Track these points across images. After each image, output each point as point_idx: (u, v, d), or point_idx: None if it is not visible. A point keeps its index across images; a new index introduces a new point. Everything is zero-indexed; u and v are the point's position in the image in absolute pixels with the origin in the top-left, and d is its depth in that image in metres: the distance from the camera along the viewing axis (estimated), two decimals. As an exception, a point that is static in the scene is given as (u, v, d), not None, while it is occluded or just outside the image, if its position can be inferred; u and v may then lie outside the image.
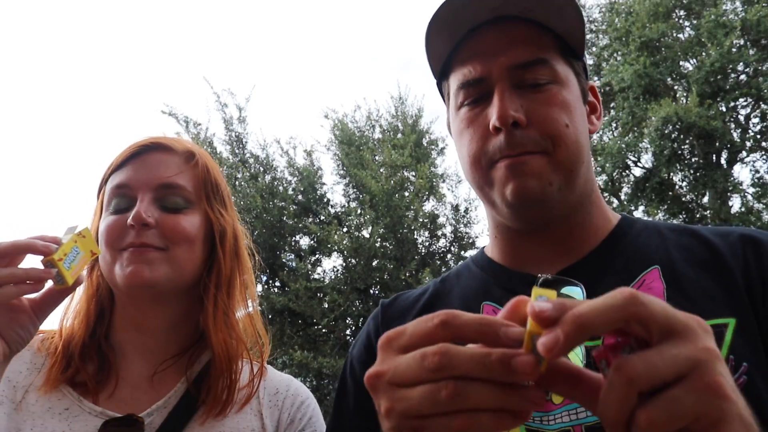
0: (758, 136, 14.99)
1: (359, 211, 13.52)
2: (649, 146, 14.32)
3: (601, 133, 15.69)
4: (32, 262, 0.96)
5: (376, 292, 13.19)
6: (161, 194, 1.16)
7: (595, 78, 16.05)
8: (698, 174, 14.72)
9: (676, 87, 15.14)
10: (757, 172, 14.98)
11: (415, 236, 13.45)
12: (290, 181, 14.11)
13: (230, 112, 13.74)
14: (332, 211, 13.98)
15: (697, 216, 15.01)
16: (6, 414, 1.06)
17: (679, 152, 14.70)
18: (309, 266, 13.12)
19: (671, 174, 15.21)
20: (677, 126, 13.35)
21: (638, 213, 15.88)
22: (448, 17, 0.99)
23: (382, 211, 12.49)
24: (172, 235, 1.13)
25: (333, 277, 13.32)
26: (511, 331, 0.52)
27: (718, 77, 13.71)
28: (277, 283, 13.53)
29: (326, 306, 12.45)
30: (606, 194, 16.00)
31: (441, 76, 1.10)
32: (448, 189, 14.26)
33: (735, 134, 14.73)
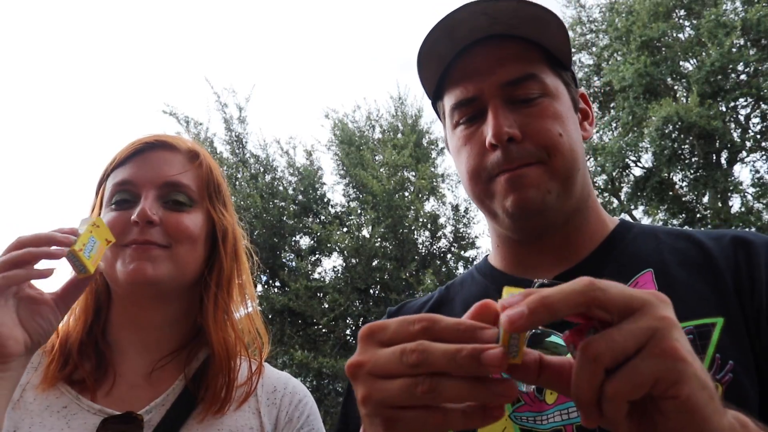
0: (758, 136, 14.99)
1: (359, 211, 13.52)
2: (649, 146, 14.32)
3: (601, 132, 15.68)
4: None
5: (377, 292, 13.19)
6: (165, 192, 1.16)
7: (595, 78, 16.05)
8: (698, 174, 14.72)
9: (676, 87, 15.14)
10: (757, 172, 14.99)
11: (416, 236, 13.45)
12: (290, 181, 14.11)
13: (230, 112, 13.75)
14: (332, 211, 13.98)
15: (698, 216, 15.01)
16: None
17: (680, 152, 14.70)
18: (309, 266, 13.13)
19: (671, 174, 15.21)
20: (678, 126, 13.35)
21: (638, 213, 15.88)
22: (438, 41, 1.03)
23: (383, 211, 12.50)
24: (175, 233, 1.14)
25: (333, 276, 13.32)
26: (486, 333, 0.55)
27: (719, 77, 13.71)
28: (277, 283, 13.53)
29: (326, 306, 12.46)
30: (606, 194, 16.00)
31: (435, 97, 1.13)
32: (448, 189, 14.28)
33: (735, 134, 14.73)
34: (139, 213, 1.10)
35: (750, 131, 15.06)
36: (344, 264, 13.30)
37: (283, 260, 13.37)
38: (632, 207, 15.65)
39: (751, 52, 13.61)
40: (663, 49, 14.67)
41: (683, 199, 15.25)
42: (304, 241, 13.83)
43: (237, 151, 13.86)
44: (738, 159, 14.85)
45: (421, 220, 13.31)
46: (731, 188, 14.57)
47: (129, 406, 1.10)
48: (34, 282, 0.99)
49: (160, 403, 1.13)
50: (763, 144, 14.95)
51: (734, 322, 0.88)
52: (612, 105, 15.74)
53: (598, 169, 15.14)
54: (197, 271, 1.19)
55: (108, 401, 1.10)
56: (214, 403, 1.14)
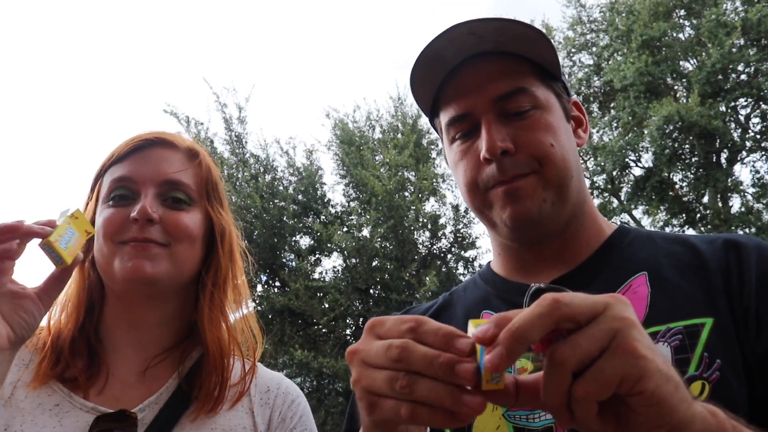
0: (758, 136, 14.99)
1: (360, 211, 13.52)
2: (649, 146, 14.32)
3: (601, 132, 15.67)
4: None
5: (377, 292, 13.19)
6: (165, 190, 1.15)
7: (595, 78, 16.04)
8: (699, 174, 14.72)
9: (676, 87, 15.14)
10: (758, 172, 14.99)
11: (416, 236, 13.44)
12: (290, 181, 14.11)
13: (230, 112, 13.75)
14: (333, 211, 13.98)
15: (698, 216, 15.01)
16: None
17: (680, 152, 14.70)
18: (309, 266, 13.12)
19: (671, 174, 15.21)
20: (678, 125, 13.35)
21: (638, 213, 15.88)
22: (429, 61, 1.07)
23: (384, 211, 12.49)
24: (174, 231, 1.13)
25: (333, 277, 13.32)
26: (461, 342, 0.59)
27: (719, 77, 13.71)
28: (277, 283, 13.53)
29: (326, 306, 12.45)
30: (606, 194, 15.99)
31: (432, 114, 1.18)
32: (448, 189, 14.26)
33: (735, 134, 14.73)
34: (139, 210, 1.09)
35: (750, 131, 15.06)
36: (344, 264, 13.29)
37: (283, 260, 13.36)
38: (632, 207, 15.65)
39: (751, 52, 13.60)
40: (663, 48, 14.66)
41: (683, 199, 15.25)
42: (304, 241, 13.83)
43: (237, 151, 13.86)
44: (738, 159, 14.85)
45: (421, 220, 13.30)
46: (731, 188, 14.56)
47: (122, 405, 1.09)
48: (15, 277, 0.99)
49: (154, 401, 1.12)
50: (763, 144, 14.94)
51: (723, 323, 0.91)
52: (612, 105, 15.73)
53: (598, 168, 15.13)
54: (194, 270, 1.19)
55: (101, 399, 1.09)
56: (208, 402, 1.13)
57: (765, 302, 0.91)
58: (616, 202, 15.94)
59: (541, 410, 0.62)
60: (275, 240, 13.12)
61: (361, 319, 12.90)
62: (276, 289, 13.37)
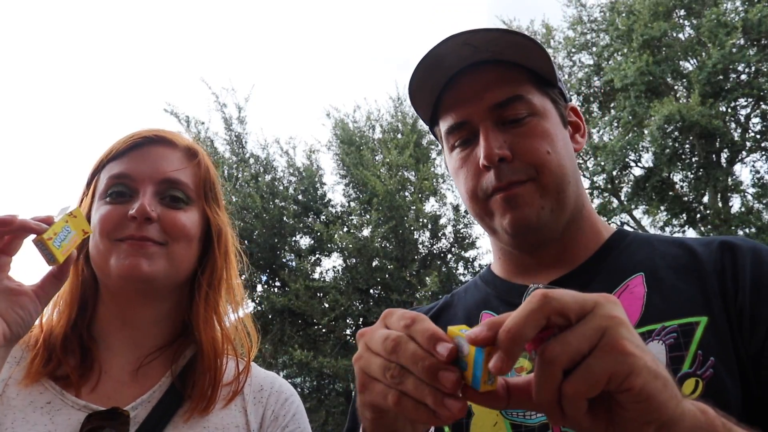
0: (758, 136, 14.99)
1: (360, 212, 13.52)
2: (649, 145, 14.32)
3: (601, 132, 15.66)
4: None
5: (377, 292, 13.19)
6: (163, 188, 1.15)
7: (595, 78, 16.03)
8: (699, 173, 14.72)
9: (676, 86, 15.14)
10: (758, 172, 14.98)
11: (416, 236, 13.45)
12: (290, 180, 14.11)
13: (229, 112, 13.75)
14: (333, 211, 13.98)
15: (698, 216, 15.01)
16: None
17: (680, 152, 14.70)
18: (309, 266, 13.12)
19: (672, 173, 15.20)
20: (679, 125, 13.35)
21: (638, 213, 15.87)
22: (427, 72, 1.10)
23: (384, 211, 12.49)
24: (172, 230, 1.13)
25: (334, 276, 13.32)
26: (441, 347, 0.62)
27: (720, 77, 13.70)
28: (278, 283, 13.53)
29: (326, 306, 12.46)
30: (606, 194, 15.98)
31: (431, 123, 1.20)
32: (449, 189, 14.26)
33: (735, 134, 14.72)
34: (138, 209, 1.09)
35: (750, 131, 15.05)
36: (344, 264, 13.29)
37: (284, 260, 13.37)
38: (633, 207, 15.64)
39: (752, 52, 13.60)
40: (663, 48, 14.66)
41: (684, 199, 15.24)
42: (305, 241, 13.83)
43: (237, 150, 13.86)
44: (738, 159, 14.85)
45: (421, 220, 13.31)
46: (732, 188, 14.56)
47: (114, 403, 1.08)
48: (12, 273, 0.98)
49: (147, 399, 1.11)
50: (763, 144, 14.94)
51: (718, 322, 0.93)
52: (612, 105, 15.72)
53: (598, 168, 15.13)
54: (190, 269, 1.18)
55: (93, 397, 1.09)
56: (201, 401, 1.13)
57: (759, 302, 0.93)
58: (616, 202, 15.93)
59: (529, 410, 0.64)
60: (275, 240, 13.13)
61: (361, 320, 12.90)
62: (276, 289, 13.37)
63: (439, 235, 13.93)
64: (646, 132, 14.29)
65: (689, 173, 15.16)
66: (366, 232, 13.15)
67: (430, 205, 13.98)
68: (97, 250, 1.12)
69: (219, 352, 1.18)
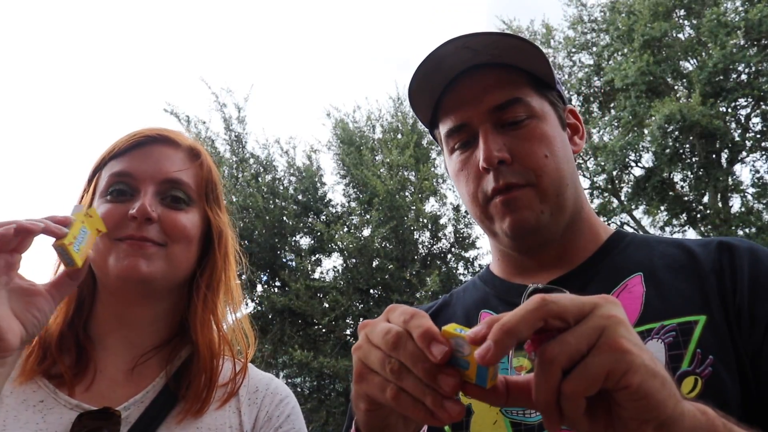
0: (758, 136, 14.98)
1: (360, 212, 13.52)
2: (650, 145, 14.31)
3: (601, 132, 15.66)
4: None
5: (378, 292, 13.19)
6: (164, 189, 1.15)
7: (595, 78, 16.03)
8: (699, 173, 14.72)
9: (676, 86, 15.13)
10: (757, 172, 14.97)
11: (417, 237, 13.44)
12: (290, 180, 14.11)
13: (229, 112, 13.74)
14: (333, 211, 13.98)
15: (698, 216, 15.00)
16: None
17: (680, 151, 14.70)
18: (309, 266, 13.12)
19: (672, 173, 15.20)
20: (679, 124, 13.34)
21: (638, 213, 15.86)
22: (426, 76, 1.11)
23: (385, 211, 12.49)
24: (172, 231, 1.12)
25: (334, 276, 13.32)
26: (436, 348, 0.61)
27: (720, 77, 13.70)
28: (278, 283, 13.53)
29: (326, 306, 12.45)
30: (606, 194, 15.97)
31: (431, 126, 1.21)
32: (449, 189, 14.25)
33: (735, 134, 14.72)
34: (139, 208, 1.08)
35: (750, 131, 15.05)
36: (345, 264, 13.29)
37: (284, 260, 13.36)
38: (633, 207, 15.64)
39: (751, 52, 13.59)
40: (663, 48, 14.66)
41: (684, 198, 15.24)
42: (305, 241, 13.83)
43: (237, 150, 13.85)
44: (738, 159, 14.84)
45: (422, 220, 13.30)
46: (732, 188, 14.55)
47: (108, 402, 1.07)
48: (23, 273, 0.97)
49: (139, 399, 1.10)
50: (763, 144, 14.93)
51: (716, 321, 0.94)
52: (612, 105, 15.72)
53: (599, 169, 15.12)
54: (189, 270, 1.18)
55: (86, 397, 1.08)
56: (195, 402, 1.12)
57: (757, 301, 0.94)
58: (616, 203, 15.93)
59: (532, 409, 0.64)
60: (276, 240, 13.12)
61: (361, 320, 12.88)
62: (276, 289, 13.37)
63: (440, 235, 13.93)
64: (646, 132, 14.29)
65: (689, 173, 15.15)
66: (366, 232, 13.15)
67: (431, 205, 13.99)
68: (96, 249, 1.11)
69: (215, 353, 1.18)
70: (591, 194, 15.74)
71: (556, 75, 1.15)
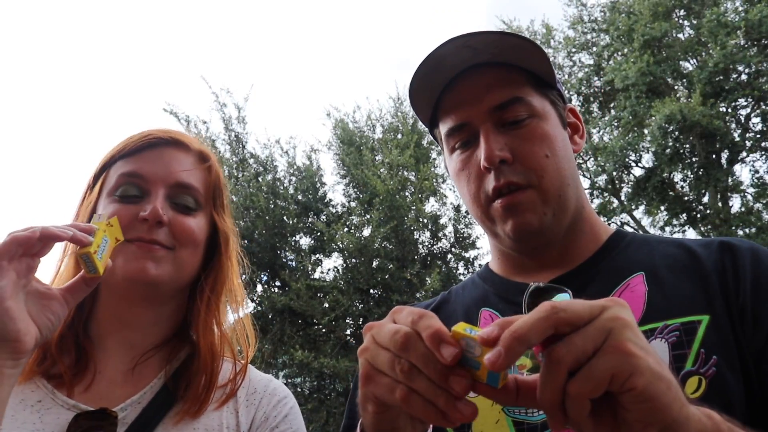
0: (758, 136, 14.99)
1: (360, 211, 13.52)
2: (650, 145, 14.32)
3: (601, 132, 15.66)
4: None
5: (378, 292, 13.18)
6: (174, 192, 1.15)
7: (595, 78, 16.03)
8: (699, 173, 14.72)
9: (676, 86, 15.14)
10: (757, 172, 14.98)
11: (417, 237, 13.44)
12: (291, 180, 14.11)
13: (229, 112, 13.74)
14: (333, 211, 13.98)
15: (698, 216, 15.00)
16: None
17: (681, 151, 14.70)
18: (310, 266, 13.12)
19: (672, 173, 15.20)
20: (679, 124, 13.35)
21: (639, 213, 15.85)
22: (427, 75, 1.10)
23: (385, 211, 12.49)
24: (180, 235, 1.13)
25: (334, 276, 13.32)
26: (446, 350, 0.61)
27: (720, 77, 13.71)
28: (278, 283, 13.53)
29: (327, 306, 12.45)
30: (606, 194, 15.97)
31: (431, 125, 1.21)
32: (449, 189, 14.26)
33: (735, 134, 14.73)
34: (151, 211, 1.09)
35: (750, 131, 15.05)
36: (345, 264, 13.29)
37: (284, 260, 13.36)
38: (633, 207, 15.64)
39: (751, 52, 13.60)
40: (663, 49, 14.67)
41: (684, 198, 15.25)
42: (305, 241, 13.83)
43: (237, 150, 13.85)
44: (738, 159, 14.85)
45: (422, 220, 13.30)
46: (732, 188, 14.56)
47: (106, 403, 1.07)
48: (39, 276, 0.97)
49: (137, 400, 1.10)
50: (763, 144, 14.94)
51: (720, 320, 0.94)
52: (612, 105, 15.72)
53: (599, 169, 15.12)
54: (193, 274, 1.19)
55: (85, 397, 1.08)
56: (194, 403, 1.12)
57: (760, 301, 0.94)
58: (616, 203, 15.93)
59: (535, 408, 0.64)
60: (276, 240, 13.12)
61: (361, 320, 12.90)
62: (276, 289, 13.36)
63: (440, 235, 13.92)
64: (646, 132, 14.30)
65: (689, 173, 15.16)
66: (366, 232, 13.15)
67: (431, 205, 13.99)
68: None
69: (216, 356, 1.18)
70: (591, 194, 15.76)
71: (556, 74, 1.15)
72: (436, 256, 13.82)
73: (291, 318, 12.74)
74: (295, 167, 14.16)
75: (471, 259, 14.15)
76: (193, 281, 1.20)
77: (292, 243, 13.60)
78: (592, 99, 16.49)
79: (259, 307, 12.67)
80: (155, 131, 1.20)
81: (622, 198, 15.92)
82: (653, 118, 13.46)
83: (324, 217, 13.63)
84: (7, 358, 0.88)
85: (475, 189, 1.09)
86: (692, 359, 0.91)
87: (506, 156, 1.04)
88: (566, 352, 0.58)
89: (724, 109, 14.28)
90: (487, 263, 1.26)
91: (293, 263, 13.22)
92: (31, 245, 0.90)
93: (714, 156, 14.58)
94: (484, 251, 14.16)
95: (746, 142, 14.71)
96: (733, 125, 14.91)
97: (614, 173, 15.21)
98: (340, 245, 12.81)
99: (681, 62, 14.84)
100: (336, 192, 18.50)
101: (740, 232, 13.85)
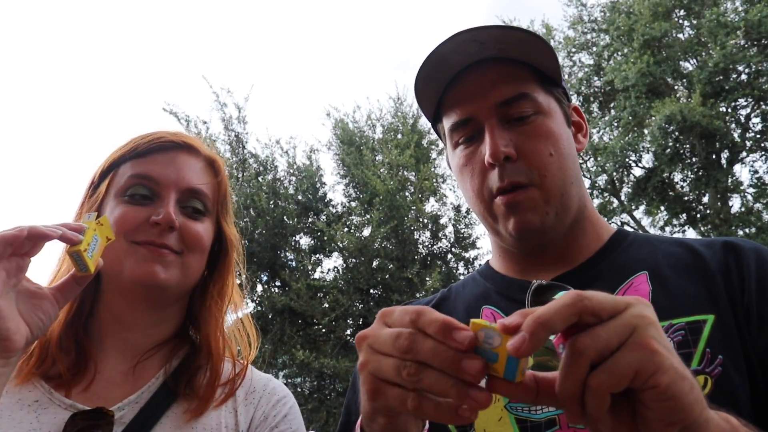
0: (758, 136, 14.99)
1: (360, 211, 13.52)
2: (650, 145, 14.32)
3: (601, 132, 15.66)
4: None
5: (378, 292, 13.18)
6: (185, 198, 1.16)
7: (595, 78, 16.02)
8: (699, 174, 14.72)
9: (676, 87, 15.14)
10: (757, 172, 14.98)
11: (417, 236, 13.44)
12: (291, 180, 14.11)
13: (229, 112, 13.73)
14: (333, 210, 13.98)
15: (698, 216, 15.00)
16: None
17: (680, 152, 14.70)
18: (310, 266, 13.12)
19: (672, 173, 15.20)
20: (680, 124, 13.35)
21: (639, 213, 15.85)
22: (432, 68, 1.09)
23: (385, 211, 12.49)
24: (190, 241, 1.14)
25: (334, 276, 13.31)
26: (460, 335, 0.60)
27: (720, 78, 13.71)
28: (278, 283, 13.52)
29: (327, 306, 12.45)
30: (606, 194, 15.97)
31: (435, 120, 1.19)
32: (449, 189, 14.26)
33: (735, 134, 14.72)
34: (164, 216, 1.10)
35: (750, 131, 15.05)
36: (345, 264, 13.29)
37: (284, 260, 13.36)
38: (633, 207, 15.64)
39: (751, 52, 13.60)
40: (663, 49, 14.67)
41: (684, 198, 15.25)
42: (305, 241, 13.82)
43: (237, 150, 13.85)
44: (738, 159, 14.85)
45: (422, 220, 13.30)
46: (732, 188, 14.56)
47: (103, 403, 1.07)
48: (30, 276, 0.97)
49: (134, 400, 1.10)
50: (763, 144, 14.94)
51: (725, 320, 0.93)
52: (612, 105, 15.72)
53: (599, 169, 15.13)
54: (198, 278, 1.20)
55: (82, 397, 1.08)
56: (194, 402, 1.12)
57: (765, 301, 0.94)
58: (616, 203, 15.94)
59: (555, 406, 0.63)
60: (276, 240, 13.12)
61: (361, 320, 12.90)
62: (277, 289, 13.36)
63: (440, 235, 13.92)
64: (646, 132, 14.30)
65: (689, 173, 15.16)
66: (366, 232, 13.14)
67: (431, 205, 13.98)
68: (111, 250, 1.10)
69: (218, 358, 1.18)
70: (591, 194, 15.75)
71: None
72: (436, 256, 13.81)
73: (291, 318, 12.74)
74: (295, 167, 14.16)
75: (471, 259, 14.15)
76: (198, 285, 1.21)
77: (292, 243, 13.60)
78: (592, 99, 16.50)
79: (259, 307, 12.66)
80: (165, 133, 1.20)
81: (622, 198, 15.93)
82: (653, 118, 13.46)
83: (324, 217, 13.63)
84: None
85: (478, 185, 1.08)
86: (698, 358, 0.90)
87: (511, 152, 1.03)
88: (590, 343, 0.57)
89: (724, 109, 14.28)
90: (488, 261, 1.25)
91: (293, 263, 13.21)
92: (20, 244, 0.89)
93: (714, 156, 14.58)
94: (484, 251, 14.17)
95: (746, 142, 14.71)
96: (733, 125, 14.91)
97: (614, 173, 15.22)
98: (340, 245, 12.81)
99: (681, 62, 14.84)
100: (336, 192, 18.53)
101: (740, 232, 13.85)
